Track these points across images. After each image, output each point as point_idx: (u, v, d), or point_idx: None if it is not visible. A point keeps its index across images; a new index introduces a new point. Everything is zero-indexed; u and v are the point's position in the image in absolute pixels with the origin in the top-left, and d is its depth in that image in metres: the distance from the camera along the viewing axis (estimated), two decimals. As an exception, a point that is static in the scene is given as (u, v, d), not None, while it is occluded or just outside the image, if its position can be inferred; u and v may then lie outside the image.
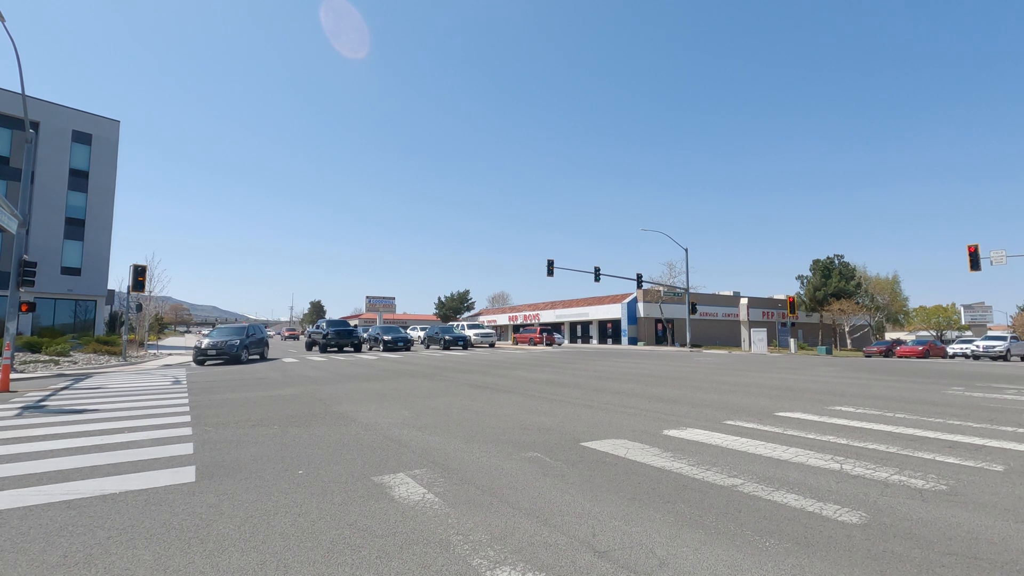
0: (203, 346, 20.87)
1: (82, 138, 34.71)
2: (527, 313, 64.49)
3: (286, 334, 74.14)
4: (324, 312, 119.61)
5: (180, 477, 4.48)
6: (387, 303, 79.34)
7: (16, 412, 8.53)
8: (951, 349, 36.06)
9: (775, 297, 57.01)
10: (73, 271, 33.67)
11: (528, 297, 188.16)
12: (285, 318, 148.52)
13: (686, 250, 42.64)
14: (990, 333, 39.32)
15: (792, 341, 38.85)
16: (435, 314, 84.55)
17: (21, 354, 21.09)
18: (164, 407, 8.76)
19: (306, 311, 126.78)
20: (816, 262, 56.93)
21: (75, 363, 20.05)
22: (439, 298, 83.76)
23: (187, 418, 7.60)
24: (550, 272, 36.88)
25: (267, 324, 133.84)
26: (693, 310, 41.10)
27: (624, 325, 50.22)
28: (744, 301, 44.52)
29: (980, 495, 3.90)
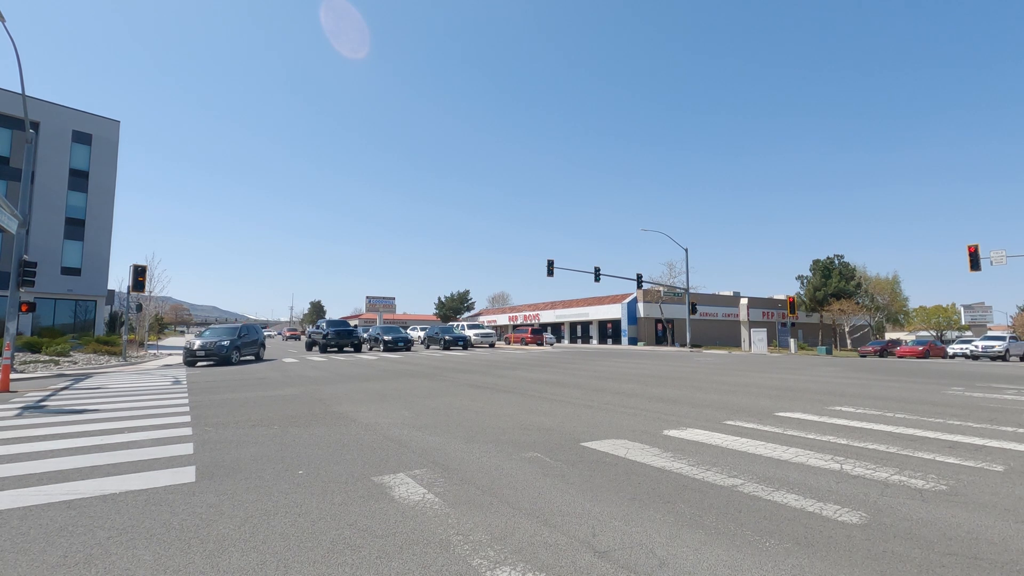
0: (193, 347, 20.16)
1: (82, 138, 34.71)
2: (527, 313, 64.51)
3: (287, 334, 74.13)
4: (324, 312, 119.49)
5: (180, 477, 4.48)
6: (387, 303, 79.35)
7: (16, 412, 8.53)
8: (951, 349, 36.17)
9: (775, 297, 57.06)
10: (73, 271, 33.67)
11: (528, 297, 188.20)
12: (285, 318, 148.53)
13: (686, 250, 42.70)
14: (989, 333, 39.41)
15: (792, 341, 38.89)
16: (435, 314, 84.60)
17: (21, 354, 21.09)
18: (164, 407, 8.77)
19: (306, 311, 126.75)
20: (816, 262, 56.99)
21: (75, 363, 20.05)
22: (439, 298, 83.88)
23: (187, 418, 7.60)
24: (550, 272, 36.92)
25: (267, 324, 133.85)
26: (693, 310, 41.12)
27: (624, 325, 50.26)
28: (744, 301, 44.58)
29: (980, 495, 3.90)
